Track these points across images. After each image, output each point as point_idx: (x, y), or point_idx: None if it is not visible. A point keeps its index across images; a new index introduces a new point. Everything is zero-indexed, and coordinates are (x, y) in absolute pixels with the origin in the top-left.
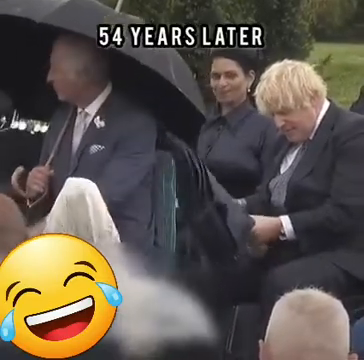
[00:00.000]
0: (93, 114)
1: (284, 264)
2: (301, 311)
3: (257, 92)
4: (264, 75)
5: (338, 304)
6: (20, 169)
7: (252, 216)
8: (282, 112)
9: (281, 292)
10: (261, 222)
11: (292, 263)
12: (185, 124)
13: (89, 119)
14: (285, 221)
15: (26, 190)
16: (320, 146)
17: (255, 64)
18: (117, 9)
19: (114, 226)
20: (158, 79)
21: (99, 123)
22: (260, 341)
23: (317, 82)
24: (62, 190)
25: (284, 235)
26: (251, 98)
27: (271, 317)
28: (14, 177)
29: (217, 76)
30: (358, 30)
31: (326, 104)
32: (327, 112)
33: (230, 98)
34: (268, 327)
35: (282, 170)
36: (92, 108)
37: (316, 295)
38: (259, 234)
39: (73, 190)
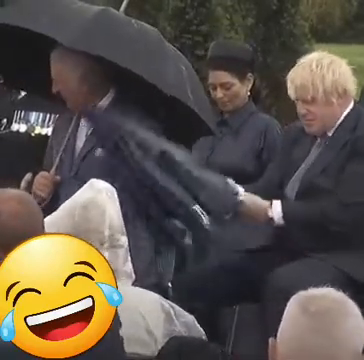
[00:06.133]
0: None
1: (284, 265)
2: (304, 312)
3: (289, 75)
4: (301, 60)
5: (349, 306)
6: (29, 176)
7: (246, 194)
8: (308, 101)
9: (281, 293)
10: (251, 199)
11: (292, 264)
12: (188, 132)
13: None
14: (275, 204)
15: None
16: (339, 145)
17: (252, 66)
18: (122, 9)
19: (125, 237)
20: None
21: None
22: (271, 339)
23: (349, 81)
24: (81, 189)
25: (272, 219)
26: (254, 98)
27: (284, 313)
28: (23, 184)
29: (214, 87)
30: (358, 30)
31: (351, 104)
32: (350, 112)
33: (230, 107)
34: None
35: (301, 165)
36: None
37: (326, 296)
38: (246, 210)
39: (92, 192)
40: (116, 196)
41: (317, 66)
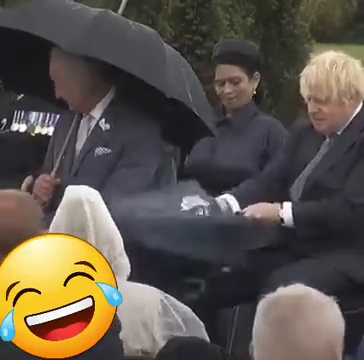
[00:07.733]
0: (98, 117)
1: (284, 265)
2: (264, 319)
3: (304, 73)
4: (315, 59)
5: (309, 307)
6: (29, 179)
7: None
8: (321, 101)
9: None
10: (262, 206)
11: (291, 265)
12: (187, 135)
13: (93, 122)
14: (286, 206)
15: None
16: (346, 145)
17: (259, 65)
18: (120, 10)
19: (119, 242)
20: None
21: (104, 126)
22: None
23: (361, 83)
24: (63, 197)
25: (283, 221)
26: (256, 98)
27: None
28: (23, 187)
29: (221, 83)
30: (358, 31)
31: (360, 105)
32: (359, 113)
33: (236, 104)
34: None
35: (308, 164)
36: (96, 111)
37: (286, 300)
38: (260, 217)
39: (71, 197)
40: (99, 200)
41: (332, 66)
